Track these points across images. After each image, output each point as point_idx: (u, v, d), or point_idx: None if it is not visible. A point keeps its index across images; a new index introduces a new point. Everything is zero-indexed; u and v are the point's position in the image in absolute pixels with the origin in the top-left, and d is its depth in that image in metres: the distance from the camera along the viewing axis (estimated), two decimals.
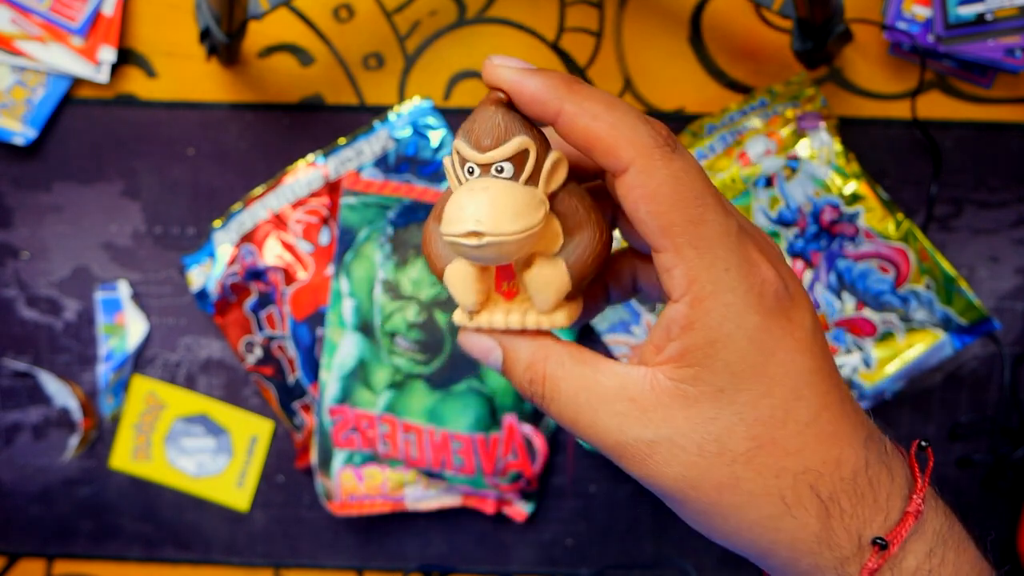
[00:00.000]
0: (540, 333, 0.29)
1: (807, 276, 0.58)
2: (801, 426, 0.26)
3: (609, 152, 0.26)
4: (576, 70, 0.60)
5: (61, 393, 0.63)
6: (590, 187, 0.30)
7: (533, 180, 0.27)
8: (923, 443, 0.29)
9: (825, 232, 0.57)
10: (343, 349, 0.59)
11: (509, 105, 0.27)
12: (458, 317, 0.30)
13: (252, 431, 0.63)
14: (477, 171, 0.27)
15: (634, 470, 0.27)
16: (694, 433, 0.26)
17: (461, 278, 0.29)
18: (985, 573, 0.27)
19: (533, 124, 0.28)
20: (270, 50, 0.60)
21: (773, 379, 0.26)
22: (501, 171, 0.27)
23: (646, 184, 0.26)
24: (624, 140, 0.26)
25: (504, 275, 0.29)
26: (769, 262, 0.27)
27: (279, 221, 0.60)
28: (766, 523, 0.26)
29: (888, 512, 0.26)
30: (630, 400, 0.27)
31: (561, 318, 0.29)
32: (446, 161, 0.28)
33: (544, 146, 0.28)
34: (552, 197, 0.28)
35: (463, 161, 0.28)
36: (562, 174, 0.28)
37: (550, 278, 0.28)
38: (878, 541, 0.26)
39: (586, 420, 0.28)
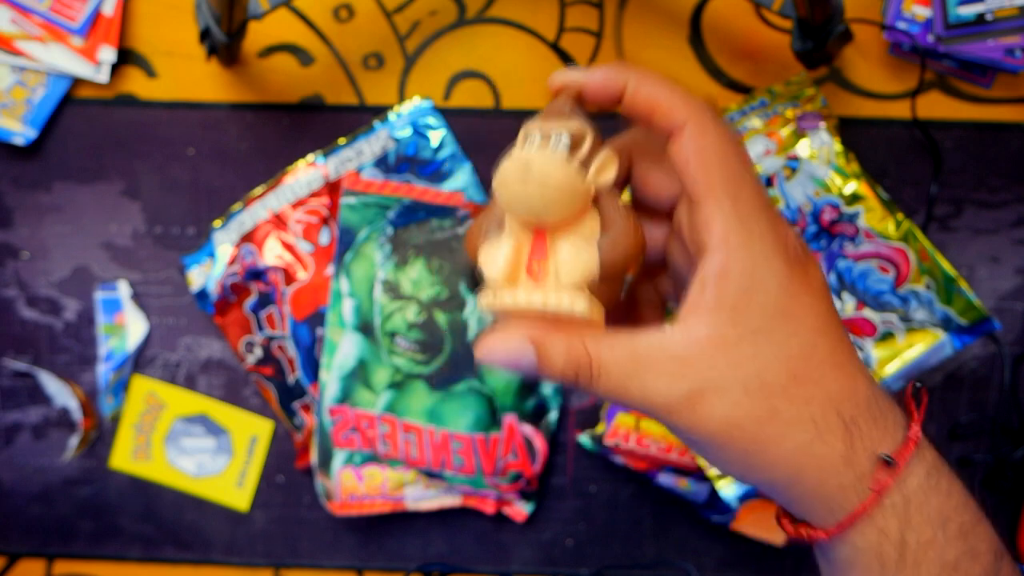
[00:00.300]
0: (563, 321, 0.30)
1: None
2: (823, 358, 0.29)
3: (668, 113, 0.30)
4: None
5: (61, 393, 0.63)
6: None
7: (584, 166, 0.29)
8: (917, 384, 0.32)
9: (825, 232, 0.57)
10: (343, 349, 0.59)
11: (578, 100, 0.31)
12: (484, 299, 0.31)
13: (252, 431, 0.63)
14: (537, 140, 0.30)
15: (683, 423, 0.29)
16: (738, 373, 0.28)
17: (496, 251, 0.30)
18: (971, 499, 0.31)
19: (594, 126, 0.30)
20: (270, 50, 0.60)
21: (799, 319, 0.29)
22: (556, 143, 0.29)
23: (698, 141, 0.29)
24: (680, 102, 0.30)
25: (537, 253, 0.30)
26: (786, 223, 0.30)
27: (279, 221, 0.60)
28: (802, 449, 0.29)
29: (894, 436, 0.30)
30: (673, 357, 0.29)
31: (583, 304, 0.29)
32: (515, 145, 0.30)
33: (599, 143, 0.30)
34: (597, 193, 0.30)
35: (526, 135, 0.30)
36: (611, 172, 0.30)
37: (580, 253, 0.29)
38: (886, 458, 0.29)
39: (636, 388, 0.29)
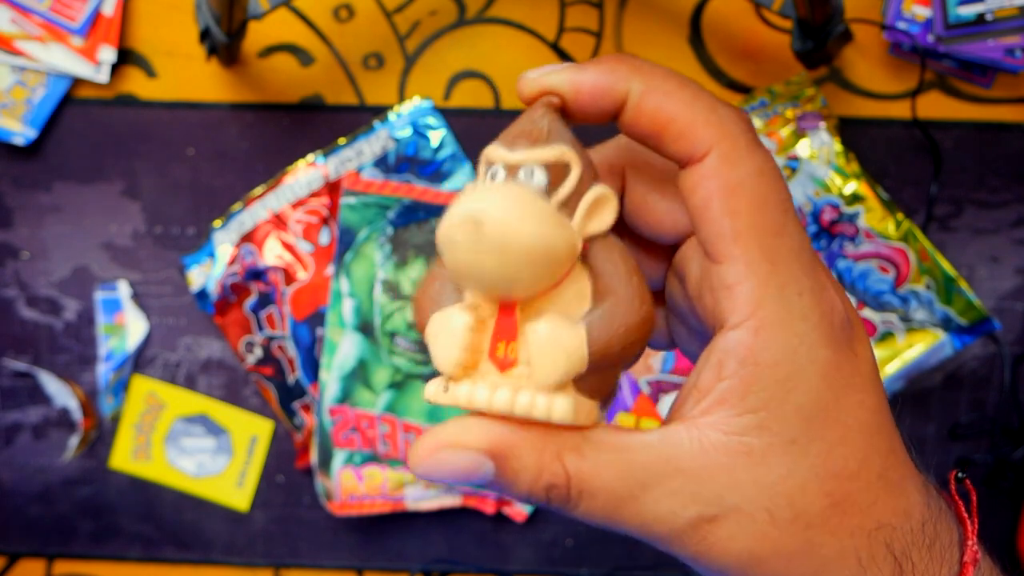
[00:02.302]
0: (532, 424, 0.22)
1: None
2: (874, 476, 0.23)
3: (684, 134, 0.22)
4: None
5: (61, 393, 0.63)
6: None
7: (569, 208, 0.22)
8: (960, 475, 0.26)
9: (825, 232, 0.57)
10: (343, 349, 0.59)
11: (560, 112, 0.23)
12: (430, 390, 0.23)
13: (252, 431, 0.63)
14: (502, 175, 0.22)
15: (690, 553, 0.23)
16: (763, 498, 0.22)
17: (448, 327, 0.22)
18: None
19: (582, 149, 0.23)
20: (270, 50, 0.60)
21: (845, 425, 0.22)
22: (527, 178, 0.22)
23: (727, 176, 0.22)
24: (703, 121, 0.22)
25: (503, 333, 0.22)
26: (833, 283, 0.23)
27: (279, 221, 0.60)
28: None
29: (950, 561, 0.24)
30: (681, 471, 0.22)
31: (565, 408, 0.21)
32: (470, 182, 0.24)
33: (590, 173, 0.22)
34: (588, 245, 0.22)
35: (488, 165, 0.22)
36: (608, 217, 0.22)
37: (561, 339, 0.21)
38: None
39: (632, 513, 0.22)
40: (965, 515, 0.24)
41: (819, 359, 0.22)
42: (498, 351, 0.22)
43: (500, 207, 0.20)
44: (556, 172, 0.22)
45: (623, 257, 0.22)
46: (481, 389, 0.22)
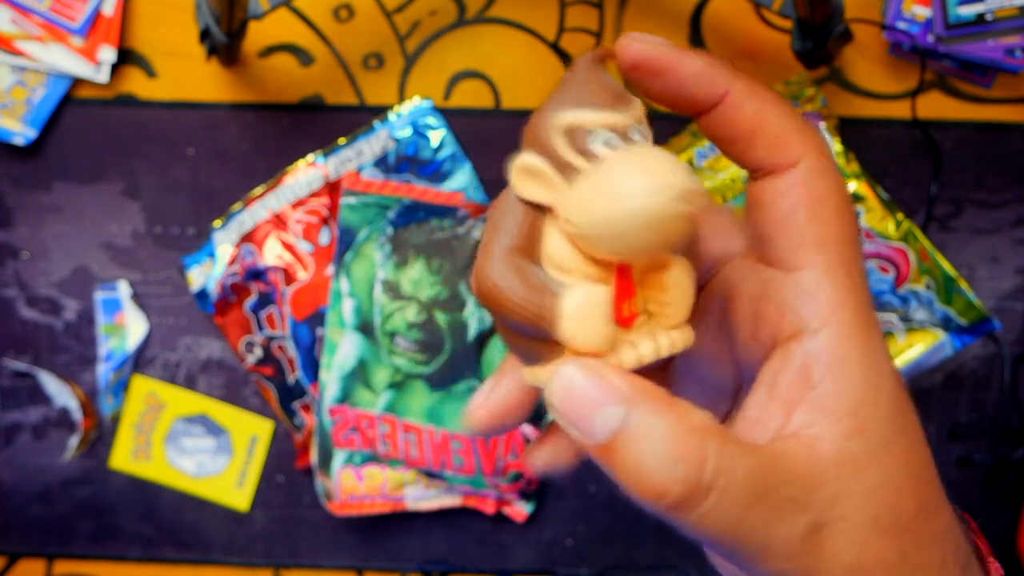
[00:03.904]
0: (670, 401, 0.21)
1: None
2: (934, 476, 0.22)
3: (777, 142, 0.23)
4: None
5: (61, 393, 0.63)
6: None
7: None
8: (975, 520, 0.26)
9: None
10: (343, 349, 0.59)
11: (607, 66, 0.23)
12: (541, 373, 0.22)
13: (252, 431, 0.63)
14: (614, 139, 0.21)
15: (795, 568, 0.21)
16: (870, 505, 0.21)
17: (593, 306, 0.21)
18: None
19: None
20: (270, 50, 0.60)
21: (914, 427, 0.22)
22: (642, 139, 0.22)
23: (814, 185, 0.22)
24: (798, 132, 0.23)
25: (625, 293, 0.22)
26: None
27: (279, 221, 0.60)
28: None
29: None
30: (796, 482, 0.21)
31: (691, 334, 0.23)
32: (525, 163, 0.22)
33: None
34: None
35: (577, 136, 0.21)
36: None
37: (689, 278, 0.22)
38: None
39: (755, 524, 0.20)
40: (989, 555, 0.24)
41: (892, 371, 0.22)
42: (624, 310, 0.22)
43: (689, 179, 0.20)
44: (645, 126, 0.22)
45: None
46: (628, 353, 0.21)
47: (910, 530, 0.21)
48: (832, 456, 0.21)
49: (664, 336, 0.22)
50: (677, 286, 0.22)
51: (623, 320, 0.22)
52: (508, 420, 0.26)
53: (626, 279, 0.22)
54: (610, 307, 0.21)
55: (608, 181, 0.20)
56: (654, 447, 0.20)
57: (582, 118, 0.21)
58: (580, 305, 0.21)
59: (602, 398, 0.20)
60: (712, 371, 0.26)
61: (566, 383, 0.21)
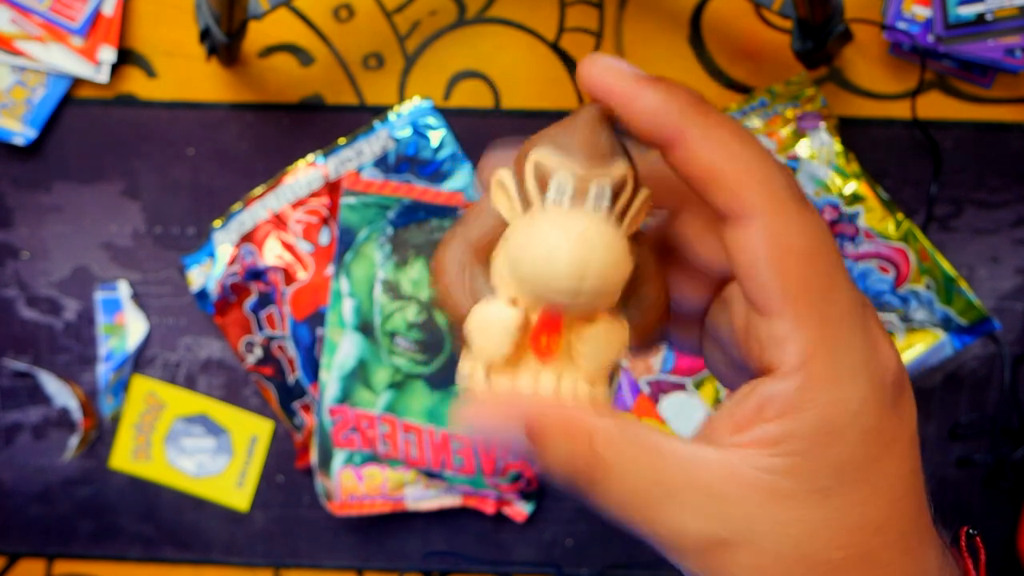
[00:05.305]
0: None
1: None
2: (895, 537, 0.23)
3: (734, 194, 0.22)
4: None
5: (61, 393, 0.63)
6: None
7: (619, 219, 0.23)
8: (971, 531, 0.25)
9: None
10: (343, 349, 0.59)
11: (612, 121, 0.23)
12: (469, 376, 0.24)
13: (252, 431, 0.63)
14: (569, 193, 0.22)
15: (694, 569, 0.23)
16: (773, 536, 0.22)
17: (497, 323, 0.23)
18: None
19: (628, 152, 0.23)
20: (270, 50, 0.60)
21: (876, 486, 0.22)
22: (599, 200, 0.22)
23: (776, 240, 0.22)
24: (756, 182, 0.22)
25: (548, 326, 0.23)
26: (886, 340, 0.23)
27: (279, 221, 0.60)
28: None
29: None
30: (702, 490, 0.22)
31: (603, 392, 0.24)
32: (501, 178, 0.23)
33: (637, 181, 0.23)
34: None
35: (546, 178, 0.23)
36: (644, 216, 0.24)
37: (611, 338, 0.23)
38: None
39: (651, 515, 0.22)
40: (972, 573, 0.24)
41: (861, 423, 0.22)
42: (541, 341, 0.23)
43: (602, 240, 0.21)
44: (616, 189, 0.23)
45: (650, 249, 0.24)
46: (525, 379, 0.23)
47: (824, 573, 0.22)
48: (753, 482, 0.22)
49: (571, 382, 0.23)
50: (592, 341, 0.23)
51: (540, 350, 0.23)
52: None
53: (552, 315, 0.23)
54: (520, 331, 0.23)
55: (526, 232, 0.22)
56: (555, 445, 0.23)
57: (550, 161, 0.22)
58: (486, 319, 0.23)
59: (505, 416, 0.23)
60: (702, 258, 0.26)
61: (476, 410, 0.23)
